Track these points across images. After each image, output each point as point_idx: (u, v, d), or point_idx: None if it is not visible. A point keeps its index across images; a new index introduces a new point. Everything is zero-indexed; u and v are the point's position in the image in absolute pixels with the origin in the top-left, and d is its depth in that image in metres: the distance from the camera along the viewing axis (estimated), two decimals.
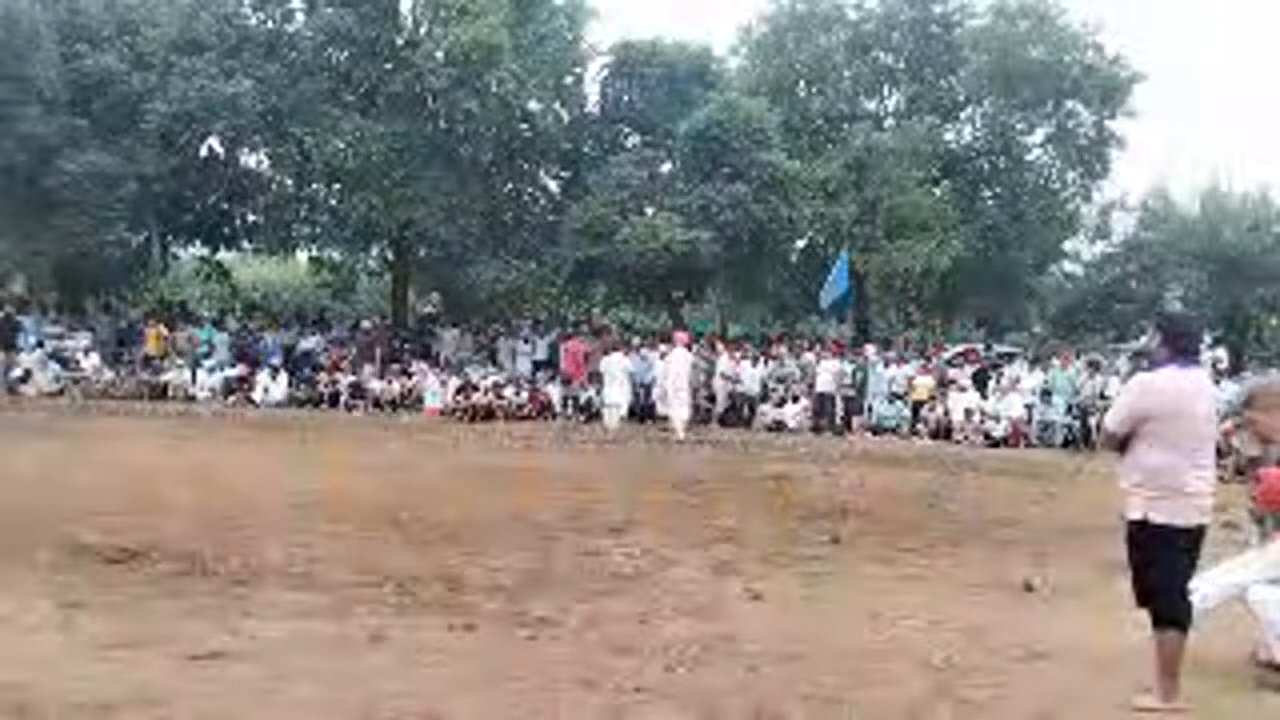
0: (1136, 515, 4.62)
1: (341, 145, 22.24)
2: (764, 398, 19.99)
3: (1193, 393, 4.64)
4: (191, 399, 19.85)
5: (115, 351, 21.38)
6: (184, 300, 27.72)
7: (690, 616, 5.88)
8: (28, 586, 5.88)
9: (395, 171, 22.17)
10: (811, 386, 19.73)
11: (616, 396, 18.10)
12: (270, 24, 23.37)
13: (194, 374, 20.50)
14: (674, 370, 17.60)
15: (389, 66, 23.03)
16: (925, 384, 19.77)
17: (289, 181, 24.16)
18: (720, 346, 21.82)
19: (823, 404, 19.47)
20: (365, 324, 23.22)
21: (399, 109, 22.68)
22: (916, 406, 19.55)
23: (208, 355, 21.26)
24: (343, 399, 19.80)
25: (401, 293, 26.14)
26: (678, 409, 17.28)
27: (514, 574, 6.76)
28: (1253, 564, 5.27)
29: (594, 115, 26.01)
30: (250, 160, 24.37)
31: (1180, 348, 4.69)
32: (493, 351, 22.58)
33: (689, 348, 18.59)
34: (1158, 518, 4.55)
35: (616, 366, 18.28)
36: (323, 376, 20.42)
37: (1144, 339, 22.59)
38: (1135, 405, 4.65)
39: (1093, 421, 17.46)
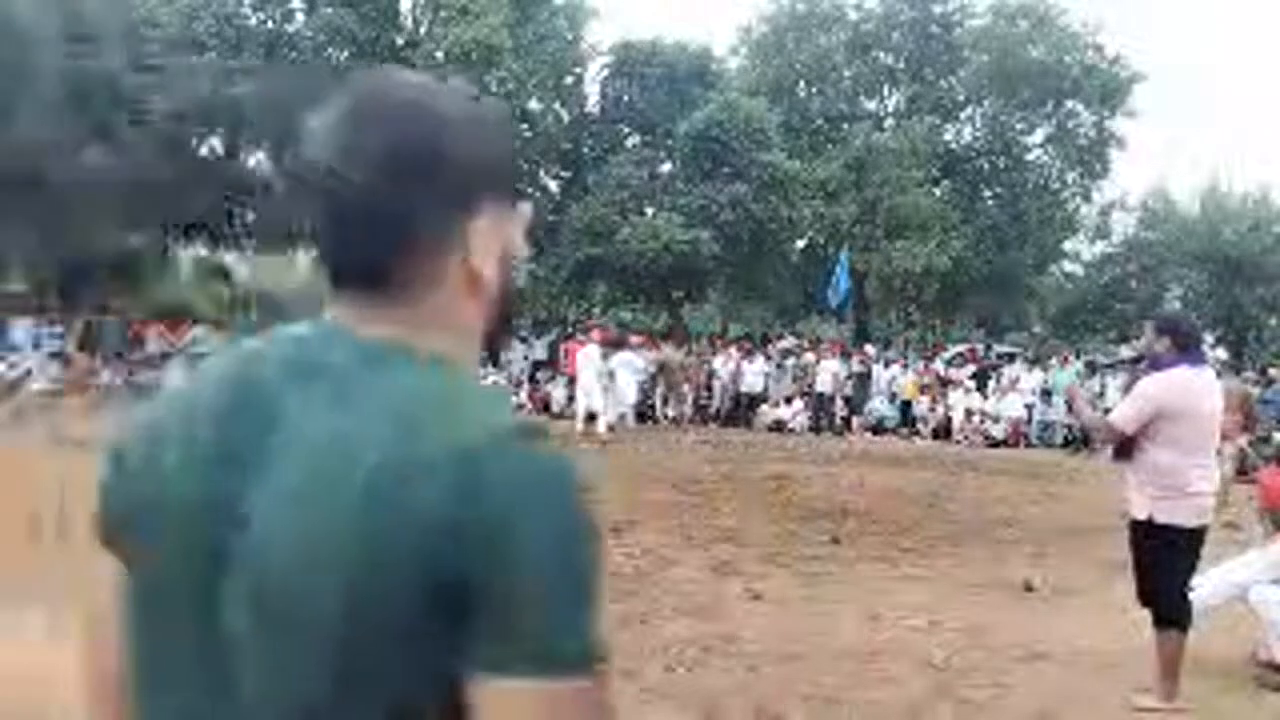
0: (1141, 515, 4.60)
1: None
2: (764, 397, 20.00)
3: (1202, 392, 4.63)
4: None
5: (115, 351, 21.37)
6: (184, 300, 27.71)
7: (690, 616, 5.88)
8: (27, 586, 5.88)
9: None
10: (811, 386, 19.75)
11: (624, 395, 18.05)
12: (270, 24, 23.39)
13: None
14: (583, 367, 17.59)
15: (389, 67, 23.06)
16: (913, 382, 19.80)
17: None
18: (719, 344, 21.84)
19: (822, 404, 19.48)
20: None
21: None
22: (905, 405, 19.58)
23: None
24: None
25: None
26: (590, 404, 17.30)
27: None
28: (1254, 564, 5.27)
29: (594, 115, 26.03)
30: (250, 160, 24.40)
31: (1187, 346, 4.68)
32: (493, 352, 22.55)
33: (613, 345, 18.56)
34: (1161, 517, 4.54)
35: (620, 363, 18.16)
36: None
37: (1130, 346, 22.67)
38: (1153, 403, 4.57)
39: None
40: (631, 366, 18.37)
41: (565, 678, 0.86)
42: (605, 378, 18.05)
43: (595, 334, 18.68)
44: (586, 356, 17.54)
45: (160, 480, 0.95)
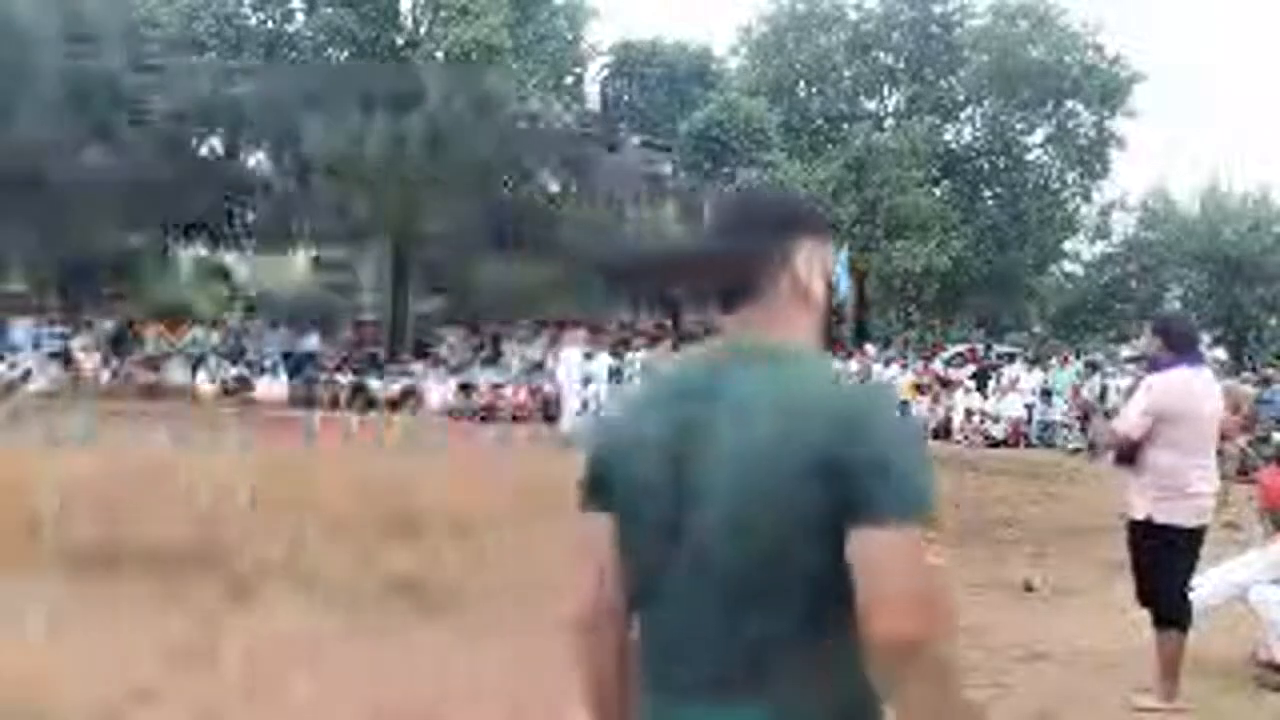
0: (1140, 515, 4.61)
1: (341, 145, 22.25)
2: None
3: (1202, 394, 4.63)
4: (193, 398, 19.84)
5: (115, 351, 21.37)
6: (184, 300, 27.71)
7: None
8: (27, 586, 5.87)
9: (395, 171, 22.17)
10: None
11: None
12: (270, 24, 23.38)
13: (194, 374, 20.51)
14: (563, 368, 17.58)
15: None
16: (911, 382, 19.82)
17: (289, 182, 24.18)
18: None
19: None
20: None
21: (399, 109, 22.67)
22: (904, 405, 19.59)
23: (208, 356, 21.26)
24: (342, 399, 19.79)
25: (401, 293, 26.14)
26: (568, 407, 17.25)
27: (514, 574, 6.75)
28: (1254, 564, 5.28)
29: (594, 115, 26.02)
30: (250, 160, 24.39)
31: (1184, 348, 4.68)
32: (496, 352, 22.60)
33: (583, 343, 18.50)
34: (1160, 518, 4.54)
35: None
36: (322, 376, 20.43)
37: (1131, 346, 22.75)
38: (1156, 406, 4.58)
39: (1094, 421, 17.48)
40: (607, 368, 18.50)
41: (911, 524, 1.35)
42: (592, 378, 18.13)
43: (574, 334, 18.62)
44: (566, 359, 17.58)
45: (634, 450, 1.49)
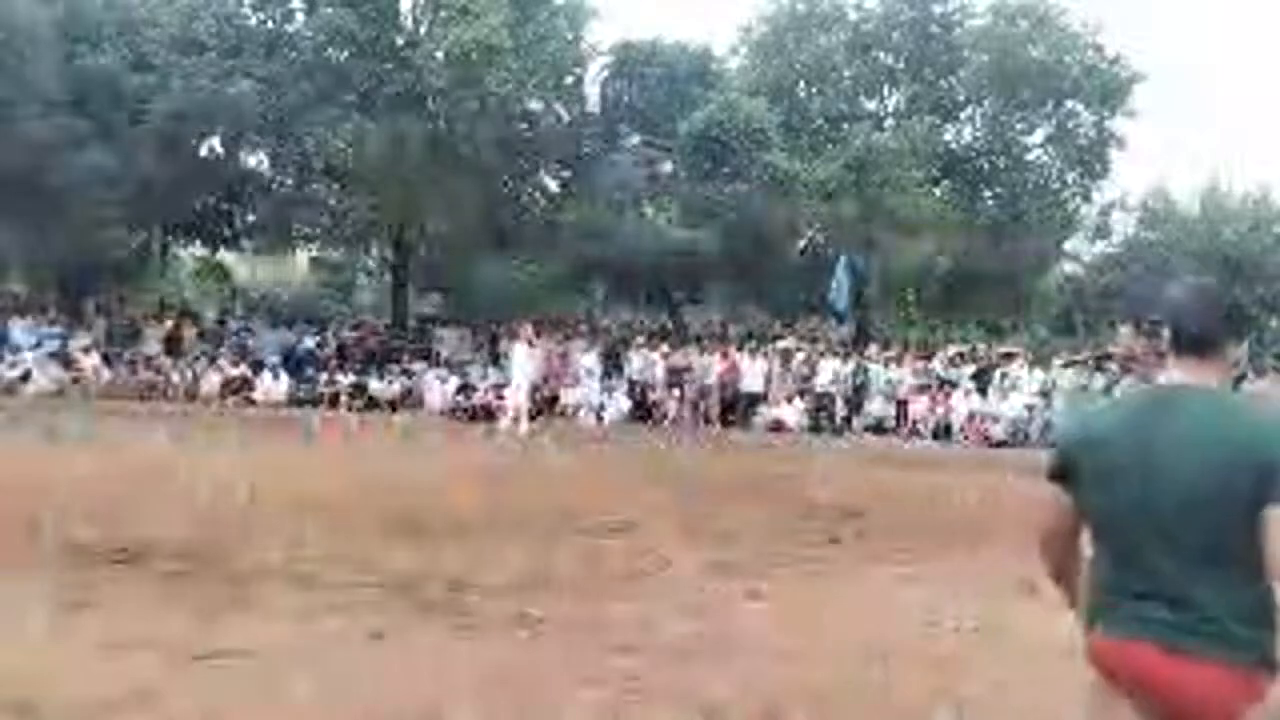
0: None
1: (342, 145, 22.24)
2: (764, 397, 19.99)
3: None
4: (193, 398, 19.84)
5: (115, 351, 21.36)
6: (184, 300, 27.72)
7: (690, 616, 5.88)
8: (28, 586, 5.88)
9: (395, 171, 22.17)
10: (812, 386, 19.76)
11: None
12: (270, 24, 23.35)
13: (195, 374, 20.49)
14: (514, 365, 17.62)
15: (389, 66, 23.03)
16: (911, 383, 19.82)
17: (289, 181, 24.16)
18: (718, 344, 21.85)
19: (822, 404, 19.49)
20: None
21: (399, 109, 22.68)
22: (904, 406, 19.59)
23: (212, 357, 21.24)
24: (343, 399, 19.79)
25: (401, 293, 26.15)
26: (514, 403, 17.26)
27: (514, 574, 6.76)
28: None
29: (594, 115, 26.00)
30: (250, 160, 24.39)
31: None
32: (495, 352, 22.57)
33: (530, 342, 18.40)
34: None
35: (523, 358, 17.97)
36: (323, 376, 20.42)
37: (1116, 343, 22.72)
38: None
39: None
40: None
41: None
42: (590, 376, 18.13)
43: (525, 330, 18.60)
44: (518, 355, 17.59)
45: (1108, 447, 2.34)
